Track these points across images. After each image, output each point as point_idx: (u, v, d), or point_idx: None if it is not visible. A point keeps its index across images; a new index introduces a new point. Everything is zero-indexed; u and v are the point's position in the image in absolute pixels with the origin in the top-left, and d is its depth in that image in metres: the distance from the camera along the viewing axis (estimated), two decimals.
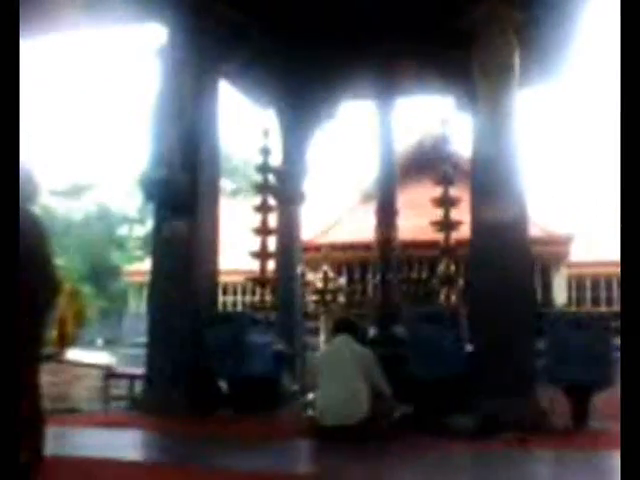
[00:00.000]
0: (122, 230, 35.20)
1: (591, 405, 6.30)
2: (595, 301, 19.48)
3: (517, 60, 6.78)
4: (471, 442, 5.23)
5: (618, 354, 6.15)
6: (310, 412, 5.52)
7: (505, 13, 6.76)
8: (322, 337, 10.70)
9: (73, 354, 10.04)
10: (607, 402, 6.28)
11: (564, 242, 17.74)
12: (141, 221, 33.68)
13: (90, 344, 19.42)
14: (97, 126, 45.54)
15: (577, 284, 19.55)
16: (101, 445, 5.01)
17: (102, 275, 30.45)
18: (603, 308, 18.74)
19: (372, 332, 9.12)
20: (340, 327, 5.64)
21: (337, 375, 5.18)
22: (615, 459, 4.73)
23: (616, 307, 18.85)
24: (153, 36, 7.81)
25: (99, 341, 22.87)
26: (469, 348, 6.77)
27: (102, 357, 11.25)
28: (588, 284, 19.64)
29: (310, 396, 5.67)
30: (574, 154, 44.08)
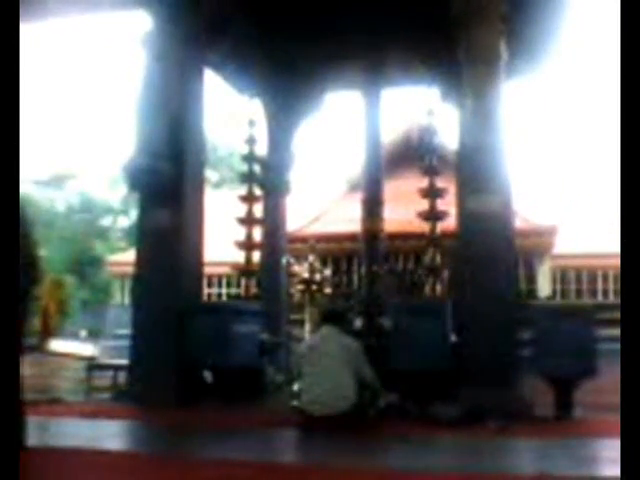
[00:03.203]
0: (105, 220, 34.92)
1: (574, 394, 6.35)
2: (578, 293, 19.64)
3: (504, 51, 6.79)
4: (455, 430, 5.27)
5: (601, 345, 6.23)
6: (295, 402, 5.52)
7: (492, 3, 6.76)
8: (307, 327, 10.69)
9: (56, 345, 9.98)
10: (591, 392, 6.35)
11: (548, 234, 17.83)
12: (125, 211, 33.43)
13: (73, 335, 19.28)
14: (81, 114, 45.16)
15: (561, 276, 19.69)
16: (85, 435, 4.97)
17: (85, 266, 30.22)
18: (586, 300, 18.89)
19: (358, 323, 9.13)
20: (327, 317, 5.64)
21: (323, 365, 5.19)
22: (597, 446, 4.80)
23: (599, 299, 19.07)
24: (139, 24, 7.73)
25: (82, 332, 22.70)
26: (453, 339, 6.81)
27: (85, 348, 11.19)
28: (572, 276, 19.80)
29: (295, 386, 5.67)
30: (560, 145, 44.42)
